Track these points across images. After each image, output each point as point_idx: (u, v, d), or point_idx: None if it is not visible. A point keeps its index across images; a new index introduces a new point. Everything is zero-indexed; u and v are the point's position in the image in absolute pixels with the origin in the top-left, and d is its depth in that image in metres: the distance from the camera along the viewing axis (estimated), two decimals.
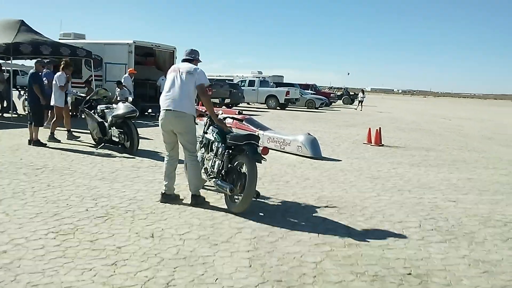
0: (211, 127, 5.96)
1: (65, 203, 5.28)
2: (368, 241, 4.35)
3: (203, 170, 6.05)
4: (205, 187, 6.22)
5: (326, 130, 15.51)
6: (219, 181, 5.30)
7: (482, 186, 7.15)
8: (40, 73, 9.74)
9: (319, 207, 5.52)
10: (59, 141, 9.59)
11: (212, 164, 5.65)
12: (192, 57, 5.57)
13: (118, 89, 14.23)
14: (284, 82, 36.83)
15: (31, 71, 9.66)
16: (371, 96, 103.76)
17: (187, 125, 5.42)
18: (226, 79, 31.13)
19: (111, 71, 17.30)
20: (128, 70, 15.39)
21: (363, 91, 35.32)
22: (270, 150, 5.74)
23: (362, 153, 10.39)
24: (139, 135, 9.04)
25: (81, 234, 4.26)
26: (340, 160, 9.16)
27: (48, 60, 9.84)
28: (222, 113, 12.40)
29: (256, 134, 6.98)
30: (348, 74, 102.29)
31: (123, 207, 5.19)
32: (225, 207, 5.31)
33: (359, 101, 33.63)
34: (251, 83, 29.21)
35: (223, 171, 5.34)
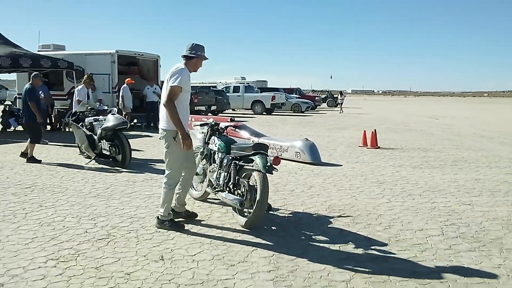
0: (213, 137, 5.64)
1: (61, 224, 4.88)
2: (394, 254, 4.06)
3: (206, 183, 5.72)
4: (209, 200, 5.89)
5: (319, 134, 15.27)
6: (226, 195, 4.96)
7: (492, 187, 6.95)
8: (35, 88, 9.23)
9: (332, 217, 5.23)
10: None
11: (217, 176, 5.32)
12: (193, 53, 4.71)
13: (92, 91, 14.15)
14: (268, 87, 36.65)
15: (27, 86, 8.98)
16: (353, 97, 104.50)
17: (164, 143, 4.86)
18: (210, 86, 30.77)
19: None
20: (126, 80, 14.92)
21: (341, 93, 35.30)
22: None
23: (361, 156, 10.15)
24: (131, 148, 8.64)
25: (83, 260, 3.88)
26: (340, 165, 8.90)
27: (35, 73, 9.34)
28: (213, 121, 12.10)
29: (252, 141, 6.65)
30: (331, 77, 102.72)
31: (124, 227, 4.82)
32: (233, 221, 4.98)
33: (339, 103, 33.58)
34: (236, 89, 28.93)
35: (230, 183, 5.01)
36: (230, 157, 5.15)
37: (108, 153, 8.53)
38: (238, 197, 4.78)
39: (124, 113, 15.49)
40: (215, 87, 30.40)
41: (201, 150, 5.90)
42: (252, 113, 27.84)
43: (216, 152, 5.48)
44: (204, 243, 4.34)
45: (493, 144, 12.90)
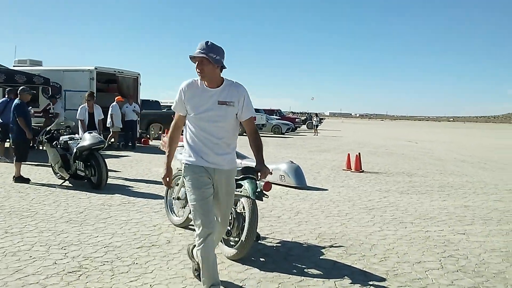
0: None
1: (27, 254, 4.42)
2: None
3: (188, 209, 5.33)
4: (191, 227, 5.49)
5: (301, 156, 15.01)
6: None
7: (483, 215, 6.74)
8: (24, 104, 8.79)
9: (323, 247, 4.90)
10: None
11: None
12: (213, 58, 3.21)
13: (52, 104, 14.20)
14: None
15: (16, 101, 8.62)
16: (331, 120, 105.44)
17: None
18: None
19: (71, 99, 16.28)
20: (116, 99, 14.43)
21: (316, 115, 35.36)
22: None
23: (346, 180, 9.90)
24: (108, 168, 8.20)
25: None
26: (326, 189, 8.62)
27: (22, 87, 8.90)
28: None
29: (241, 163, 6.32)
30: (313, 99, 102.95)
31: (98, 258, 4.39)
32: (217, 251, 4.60)
33: (314, 126, 33.59)
34: None
35: None
36: None
37: (83, 174, 8.07)
38: None
39: (112, 131, 15.02)
40: None
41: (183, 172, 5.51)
42: None
43: None
44: (187, 277, 3.95)
45: (475, 169, 12.84)
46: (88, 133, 8.39)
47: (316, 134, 31.88)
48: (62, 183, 8.30)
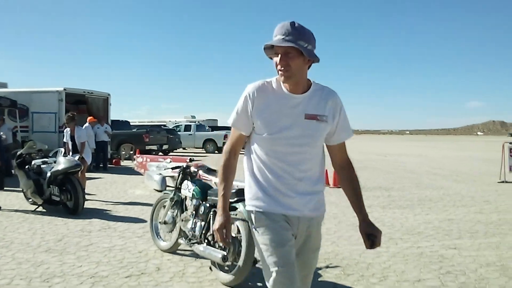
0: (186, 182, 5.10)
1: None
2: None
3: (177, 233, 5.14)
4: (178, 252, 5.28)
5: None
6: (205, 248, 4.41)
7: (468, 228, 6.78)
8: None
9: (320, 268, 4.77)
10: None
11: (192, 226, 4.76)
12: (305, 48, 2.20)
13: None
14: (218, 125, 36.31)
15: None
16: None
17: None
18: (161, 125, 30.02)
19: (39, 121, 15.80)
20: (88, 119, 13.95)
21: None
22: None
23: (326, 196, 9.75)
24: (84, 192, 7.87)
25: None
26: None
27: None
28: (171, 161, 11.45)
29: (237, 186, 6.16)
30: None
31: None
32: (212, 277, 4.42)
33: None
34: (187, 127, 28.35)
35: (209, 235, 4.47)
36: (208, 205, 4.63)
37: (58, 199, 7.71)
38: (220, 251, 4.24)
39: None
40: (165, 126, 29.70)
41: (170, 196, 5.33)
42: (204, 152, 27.23)
43: (191, 199, 4.95)
44: None
45: (449, 182, 13.04)
46: (63, 156, 8.06)
47: None
48: (36, 209, 7.92)
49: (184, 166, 5.29)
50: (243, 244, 4.11)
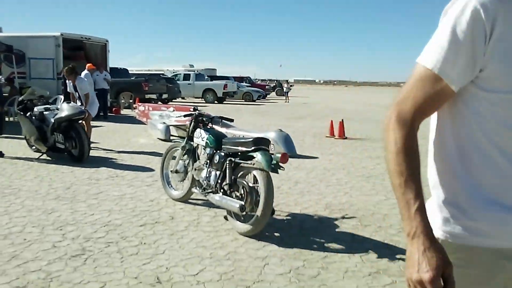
0: (199, 130, 4.93)
1: (20, 237, 4.03)
2: None
3: (189, 182, 5.03)
4: (191, 201, 5.20)
5: (279, 124, 14.71)
6: (222, 198, 4.29)
7: None
8: None
9: (335, 219, 4.71)
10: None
11: (207, 175, 4.63)
12: None
13: None
14: (218, 75, 35.77)
15: None
16: (296, 87, 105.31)
17: None
18: (159, 74, 29.49)
19: (36, 67, 15.38)
20: (87, 66, 13.58)
21: (287, 82, 35.11)
22: None
23: (333, 147, 9.74)
24: (90, 140, 7.71)
25: (59, 286, 3.10)
26: (317, 157, 8.43)
27: None
28: (174, 110, 11.24)
29: (241, 136, 6.01)
30: (280, 66, 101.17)
31: (101, 238, 4.04)
32: (227, 227, 4.34)
33: (285, 92, 33.35)
34: (186, 77, 27.88)
35: (224, 184, 4.35)
36: (223, 154, 4.48)
37: (63, 146, 7.55)
38: (237, 200, 4.13)
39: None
40: (163, 75, 29.20)
41: (182, 144, 5.17)
42: (204, 102, 26.92)
43: (204, 148, 4.80)
44: (203, 257, 3.67)
45: None
46: (67, 103, 7.83)
47: (287, 101, 31.66)
48: (40, 156, 7.77)
49: (197, 113, 5.10)
50: (261, 193, 4.00)
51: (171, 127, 10.41)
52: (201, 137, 4.83)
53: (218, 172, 4.48)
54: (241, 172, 4.31)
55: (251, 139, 4.23)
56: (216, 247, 3.87)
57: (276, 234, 4.24)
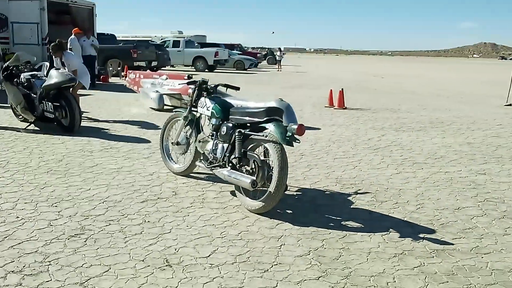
0: (203, 99, 4.58)
1: (13, 215, 3.70)
2: (452, 245, 3.33)
3: (192, 155, 4.71)
4: (192, 175, 4.89)
5: (275, 93, 14.35)
6: (231, 172, 3.97)
7: (490, 152, 6.49)
8: None
9: (349, 195, 4.44)
10: None
11: (213, 148, 4.30)
12: None
13: None
14: (208, 42, 34.93)
15: None
16: (287, 55, 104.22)
17: None
18: (147, 40, 28.63)
19: (19, 32, 14.67)
20: (73, 31, 12.90)
21: (280, 50, 34.49)
22: None
23: (334, 118, 9.43)
24: (81, 109, 7.30)
25: (59, 271, 2.80)
26: (318, 128, 8.12)
27: None
28: (167, 78, 10.77)
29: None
30: (273, 33, 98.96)
31: (100, 216, 3.73)
32: (235, 203, 4.06)
33: (278, 61, 32.76)
34: (176, 44, 27.08)
35: (233, 157, 4.03)
36: (231, 125, 4.14)
37: (52, 116, 7.13)
38: (248, 175, 3.83)
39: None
40: (152, 41, 28.36)
41: (184, 114, 4.82)
42: (194, 70, 26.28)
43: (209, 118, 4.45)
44: (214, 236, 3.38)
45: (455, 104, 12.71)
46: (55, 69, 7.36)
47: (280, 69, 31.12)
48: (27, 126, 7.35)
49: (201, 81, 4.73)
50: (275, 168, 3.70)
51: (164, 96, 10.00)
52: (206, 107, 4.48)
53: (225, 145, 4.15)
54: (251, 145, 3.99)
55: (263, 109, 3.89)
56: (226, 226, 3.59)
57: (288, 211, 3.96)
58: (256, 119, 3.90)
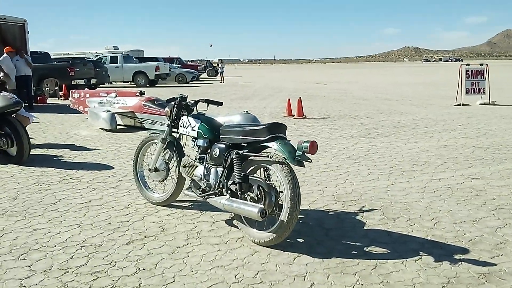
0: (186, 118, 4.05)
1: None
2: (497, 265, 3.01)
3: (175, 184, 4.16)
4: (174, 205, 4.32)
5: (226, 105, 13.93)
6: (232, 201, 3.46)
7: (470, 154, 6.39)
8: None
9: (356, 214, 4.06)
10: None
11: (205, 173, 3.77)
12: None
13: None
14: (145, 56, 33.90)
15: None
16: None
17: None
18: (82, 57, 27.24)
19: None
20: (5, 49, 11.72)
21: (222, 61, 34.21)
22: None
23: (298, 128, 9.12)
24: (29, 136, 6.46)
25: None
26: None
27: None
28: (117, 96, 10.01)
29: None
30: (211, 45, 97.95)
31: (83, 268, 3.08)
32: (236, 235, 3.55)
33: (220, 72, 32.40)
34: (113, 59, 26.01)
35: (231, 184, 3.52)
36: (224, 146, 3.64)
37: None
38: (255, 204, 3.33)
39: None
40: (87, 58, 27.01)
41: (162, 136, 4.25)
42: (135, 85, 25.26)
43: (194, 139, 3.92)
44: (229, 282, 2.85)
45: (408, 107, 12.84)
46: None
47: (222, 81, 30.68)
48: None
49: (180, 97, 4.20)
50: (286, 192, 3.23)
51: (116, 115, 9.27)
52: (190, 126, 3.95)
53: (220, 169, 3.64)
54: (251, 168, 3.51)
55: (265, 126, 3.42)
56: (238, 266, 3.07)
57: (299, 240, 3.51)
58: (257, 138, 3.43)
